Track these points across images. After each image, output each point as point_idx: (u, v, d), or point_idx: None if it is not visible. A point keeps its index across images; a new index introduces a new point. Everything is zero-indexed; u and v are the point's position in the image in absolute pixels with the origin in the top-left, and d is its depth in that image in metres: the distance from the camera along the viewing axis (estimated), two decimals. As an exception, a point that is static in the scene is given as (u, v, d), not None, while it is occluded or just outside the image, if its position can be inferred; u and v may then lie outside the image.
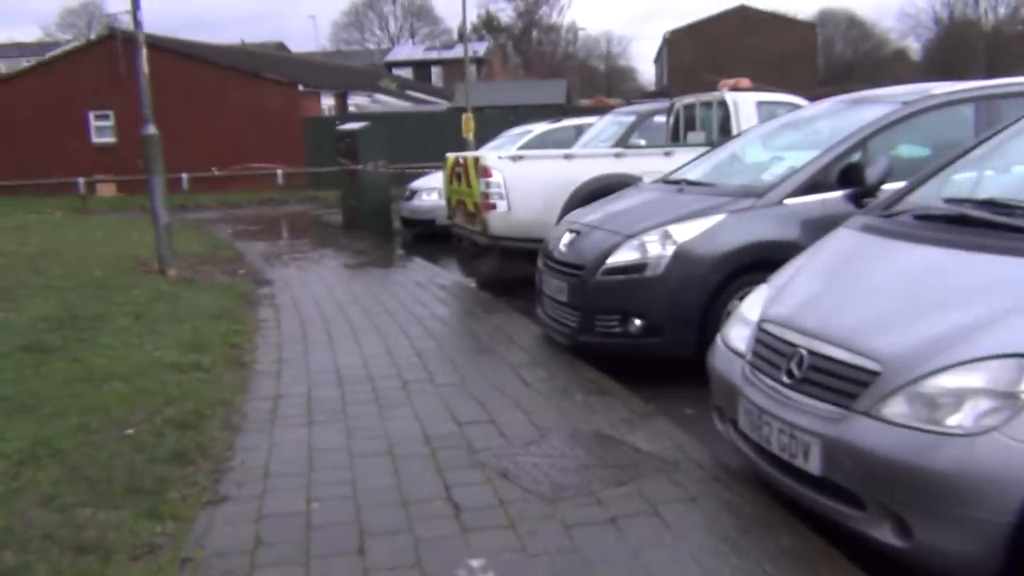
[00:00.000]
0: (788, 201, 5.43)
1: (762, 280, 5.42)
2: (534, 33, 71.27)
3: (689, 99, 10.07)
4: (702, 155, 7.22)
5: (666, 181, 6.58)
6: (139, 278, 8.25)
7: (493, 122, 22.39)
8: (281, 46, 61.70)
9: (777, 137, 6.85)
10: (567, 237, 6.13)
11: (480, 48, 64.38)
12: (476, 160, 8.62)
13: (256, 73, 26.13)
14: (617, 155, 8.66)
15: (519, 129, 14.77)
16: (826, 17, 64.21)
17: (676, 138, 10.33)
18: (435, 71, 63.91)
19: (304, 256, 11.79)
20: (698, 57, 47.83)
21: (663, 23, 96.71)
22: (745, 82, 9.59)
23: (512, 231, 8.52)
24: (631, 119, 11.72)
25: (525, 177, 8.42)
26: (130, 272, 8.62)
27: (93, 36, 26.01)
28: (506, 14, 72.07)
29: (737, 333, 3.85)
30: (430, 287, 8.87)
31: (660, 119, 11.84)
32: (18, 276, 8.09)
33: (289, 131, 25.55)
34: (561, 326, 5.94)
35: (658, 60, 64.13)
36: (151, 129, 8.48)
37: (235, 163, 24.06)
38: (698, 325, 5.33)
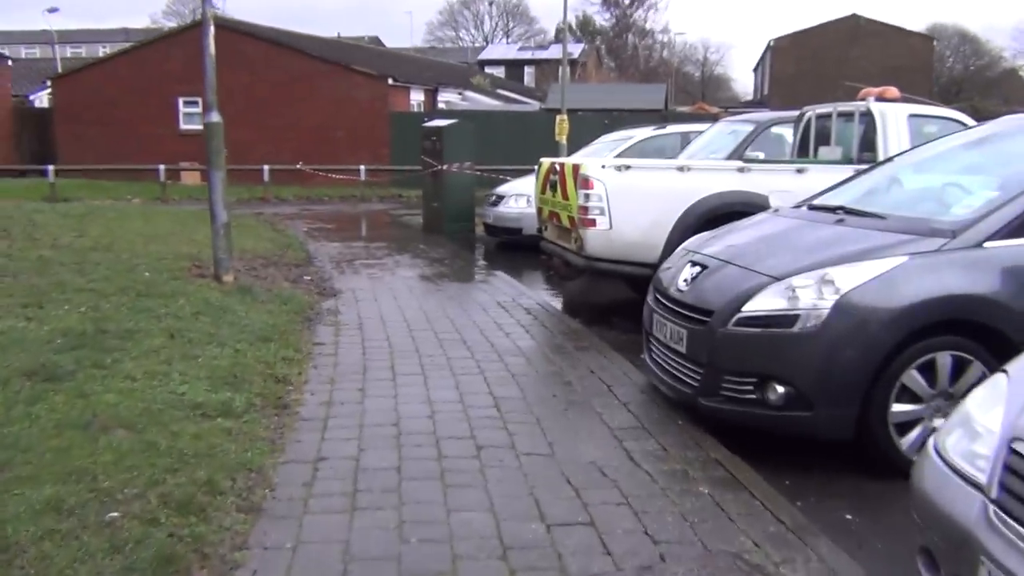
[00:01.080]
0: (990, 244, 4.14)
1: (953, 346, 4.22)
2: (628, 37, 69.81)
3: (823, 108, 8.72)
4: (853, 177, 5.93)
5: (814, 207, 5.32)
6: (189, 284, 7.36)
7: (587, 125, 21.22)
8: (376, 41, 61.66)
9: (949, 159, 5.53)
10: (688, 271, 4.93)
11: (575, 50, 63.23)
12: (575, 168, 7.47)
13: (346, 65, 25.50)
14: (740, 169, 7.39)
15: (618, 134, 13.55)
16: (937, 31, 60.96)
17: (804, 153, 8.99)
18: (528, 71, 63.11)
19: (378, 262, 10.83)
20: (802, 67, 45.63)
21: (765, 31, 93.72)
22: (893, 91, 8.20)
23: (613, 252, 7.35)
24: (747, 128, 10.40)
25: (632, 190, 7.24)
26: (182, 276, 7.75)
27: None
28: (602, 17, 70.82)
29: (964, 446, 2.61)
30: (513, 310, 7.76)
31: (780, 130, 10.51)
32: (59, 274, 7.28)
33: (376, 125, 24.85)
34: (676, 381, 4.75)
35: (758, 69, 61.84)
36: (215, 116, 7.60)
37: (321, 155, 23.43)
38: (860, 399, 4.09)
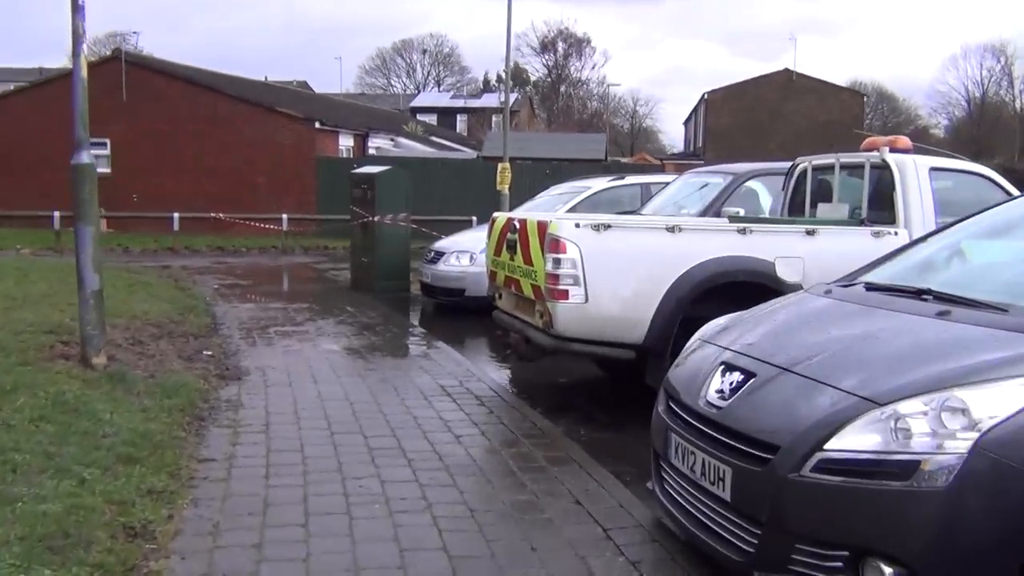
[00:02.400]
0: None
1: None
2: (562, 88, 69.69)
3: (822, 159, 7.53)
4: (908, 246, 4.65)
5: (874, 287, 3.99)
6: (43, 370, 5.67)
7: (527, 175, 20.06)
8: (304, 85, 59.98)
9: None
10: (724, 378, 3.53)
11: (510, 98, 62.71)
12: (542, 226, 6.06)
13: (270, 106, 23.88)
14: (742, 231, 6.08)
15: (568, 185, 12.27)
16: (856, 87, 62.25)
17: (796, 211, 7.78)
18: (460, 119, 62.30)
19: (298, 330, 9.22)
20: (737, 119, 45.66)
21: (691, 87, 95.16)
22: (904, 140, 7.04)
23: (588, 330, 5.92)
24: (721, 180, 9.22)
25: (612, 255, 5.85)
26: (37, 357, 6.05)
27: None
28: (534, 67, 70.68)
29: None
30: (462, 398, 6.28)
31: (755, 184, 9.36)
32: None
33: (302, 171, 23.21)
34: (712, 537, 3.32)
35: (690, 121, 62.17)
36: (85, 157, 6.00)
37: (241, 202, 21.68)
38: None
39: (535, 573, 3.44)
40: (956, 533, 2.71)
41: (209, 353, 7.54)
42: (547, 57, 69.90)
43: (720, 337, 4.01)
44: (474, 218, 19.27)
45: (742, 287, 5.94)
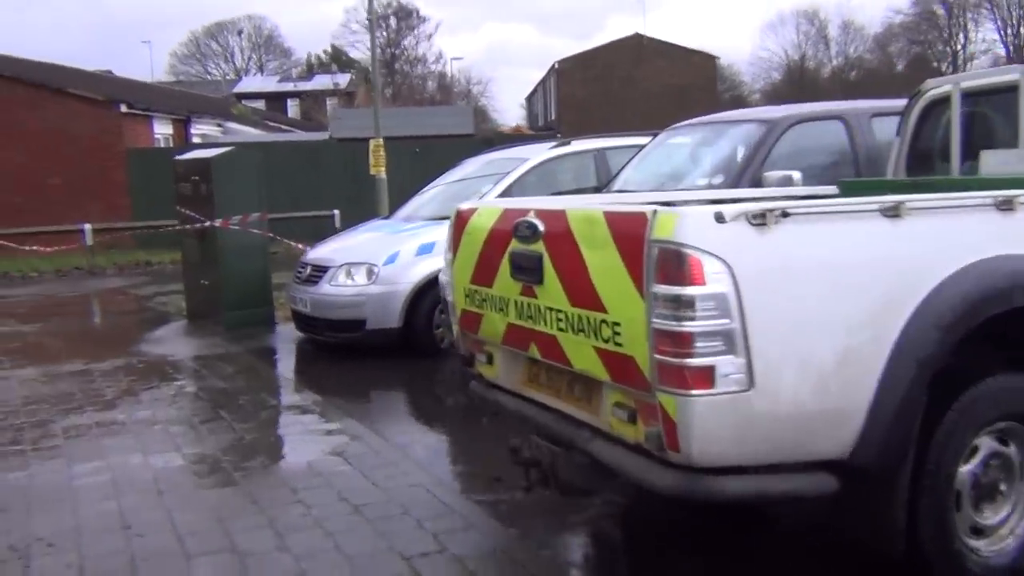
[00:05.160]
0: None
1: None
2: (396, 66, 65.69)
3: (976, 79, 4.61)
4: None
5: None
6: None
7: (394, 155, 16.41)
8: (109, 74, 53.08)
9: None
10: None
11: (343, 80, 58.29)
12: (626, 224, 2.76)
13: (59, 88, 19.06)
14: (1003, 205, 2.99)
15: (487, 159, 8.95)
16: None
17: (920, 164, 4.83)
18: (291, 104, 57.36)
19: (106, 420, 5.55)
20: (591, 88, 43.44)
21: (515, 67, 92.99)
22: None
23: (755, 448, 2.69)
24: (752, 131, 6.23)
25: (795, 278, 2.64)
26: None
27: None
28: (366, 45, 66.07)
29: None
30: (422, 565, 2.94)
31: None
32: None
33: (108, 167, 18.59)
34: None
35: (534, 96, 59.72)
36: None
37: (28, 211, 17.00)
38: None
39: None
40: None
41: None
42: (379, 34, 65.61)
43: None
44: (336, 212, 15.64)
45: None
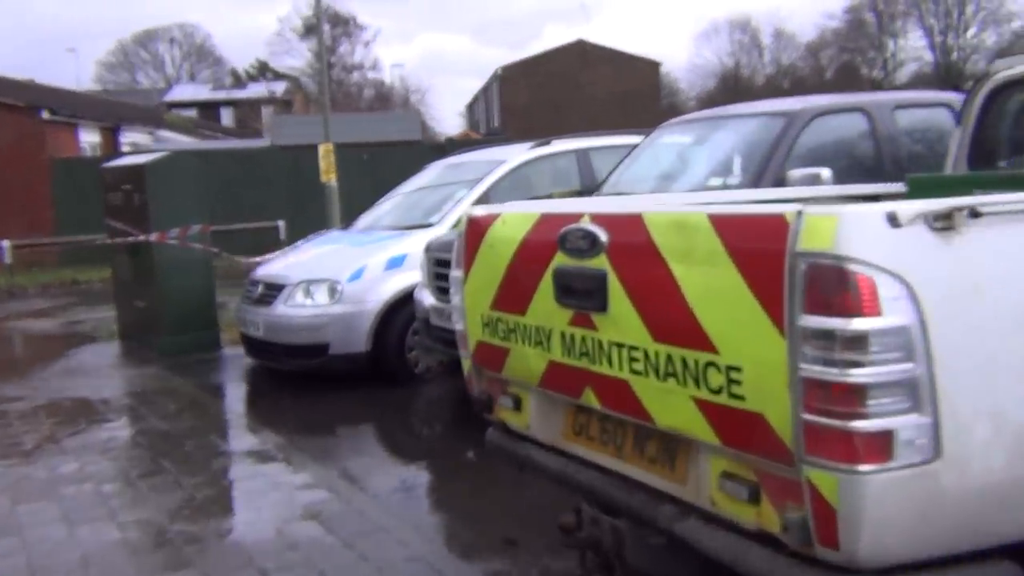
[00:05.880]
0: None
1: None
2: (332, 73, 64.29)
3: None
4: None
5: None
6: None
7: (342, 162, 15.43)
8: (32, 83, 50.74)
9: None
10: None
11: (278, 88, 56.80)
12: (753, 227, 1.99)
13: (-28, 94, 17.67)
14: None
15: (458, 161, 8.13)
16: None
17: (979, 158, 4.20)
18: (225, 113, 55.69)
19: (24, 476, 4.58)
20: (535, 95, 42.87)
21: (451, 76, 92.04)
22: None
23: (938, 539, 1.93)
24: (769, 124, 5.57)
25: (988, 299, 1.89)
26: None
27: None
28: (300, 53, 64.41)
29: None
30: None
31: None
32: None
33: (28, 178, 17.24)
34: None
35: (476, 104, 58.98)
36: None
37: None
38: None
39: None
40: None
41: None
42: (313, 41, 64.06)
43: None
44: (280, 223, 14.65)
45: None
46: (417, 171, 8.50)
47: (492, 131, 45.58)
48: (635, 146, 6.72)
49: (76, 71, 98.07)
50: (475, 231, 3.07)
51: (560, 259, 2.61)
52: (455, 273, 3.27)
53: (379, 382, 6.38)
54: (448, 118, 74.09)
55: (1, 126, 17.25)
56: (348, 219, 11.38)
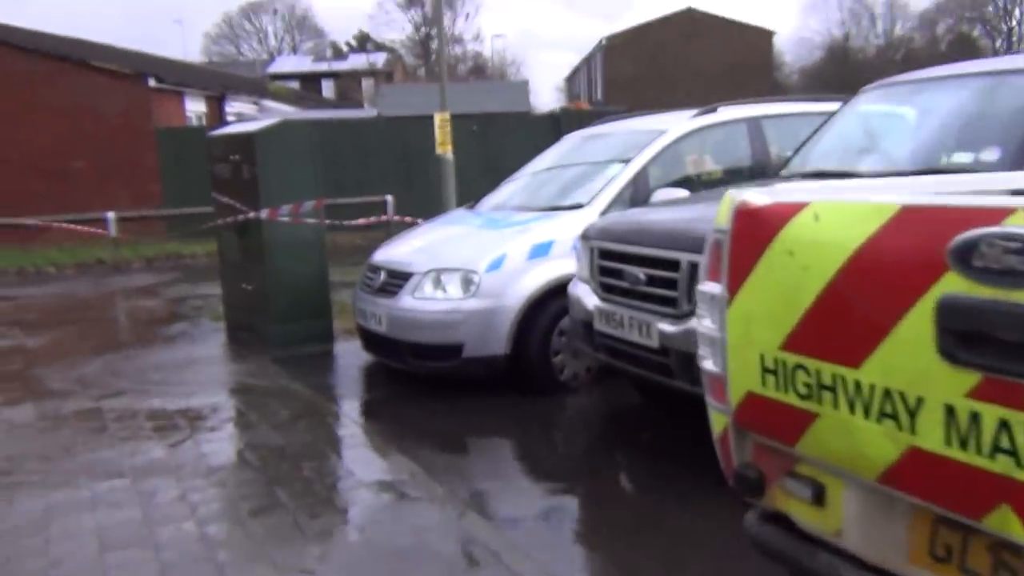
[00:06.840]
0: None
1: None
2: (433, 45, 63.67)
3: None
4: None
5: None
6: None
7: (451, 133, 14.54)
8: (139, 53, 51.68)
9: None
10: None
11: (378, 59, 56.53)
12: None
13: (83, 60, 17.42)
14: None
15: (603, 130, 7.08)
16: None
17: None
18: (326, 84, 55.77)
19: (103, 490, 3.77)
20: (640, 66, 41.29)
21: (545, 50, 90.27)
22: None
23: None
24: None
25: None
26: None
27: None
28: (399, 26, 63.96)
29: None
30: None
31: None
32: None
33: (136, 148, 16.94)
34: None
35: (576, 76, 57.49)
36: None
37: (51, 197, 15.45)
38: None
39: None
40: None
41: None
42: (414, 12, 63.57)
43: None
44: (388, 198, 13.84)
45: None
46: (527, 142, 7.51)
47: (596, 104, 44.23)
48: (820, 115, 5.57)
49: (183, 43, 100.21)
50: (755, 228, 2.03)
51: (953, 283, 1.55)
52: (709, 288, 2.25)
53: (518, 390, 5.45)
54: (543, 91, 72.67)
55: (108, 94, 16.97)
56: (461, 195, 10.40)
